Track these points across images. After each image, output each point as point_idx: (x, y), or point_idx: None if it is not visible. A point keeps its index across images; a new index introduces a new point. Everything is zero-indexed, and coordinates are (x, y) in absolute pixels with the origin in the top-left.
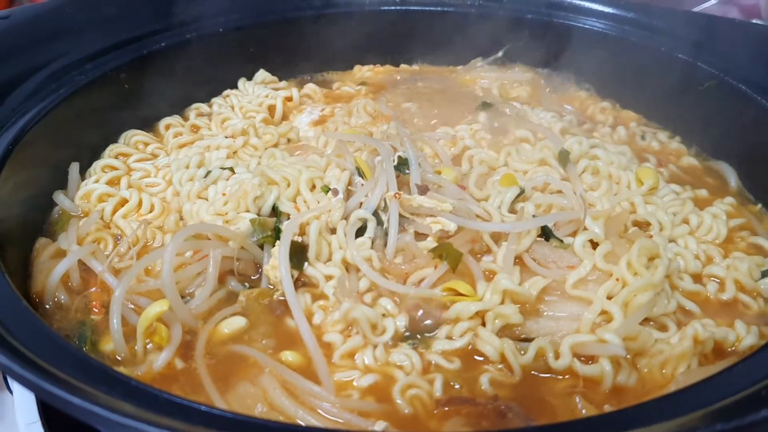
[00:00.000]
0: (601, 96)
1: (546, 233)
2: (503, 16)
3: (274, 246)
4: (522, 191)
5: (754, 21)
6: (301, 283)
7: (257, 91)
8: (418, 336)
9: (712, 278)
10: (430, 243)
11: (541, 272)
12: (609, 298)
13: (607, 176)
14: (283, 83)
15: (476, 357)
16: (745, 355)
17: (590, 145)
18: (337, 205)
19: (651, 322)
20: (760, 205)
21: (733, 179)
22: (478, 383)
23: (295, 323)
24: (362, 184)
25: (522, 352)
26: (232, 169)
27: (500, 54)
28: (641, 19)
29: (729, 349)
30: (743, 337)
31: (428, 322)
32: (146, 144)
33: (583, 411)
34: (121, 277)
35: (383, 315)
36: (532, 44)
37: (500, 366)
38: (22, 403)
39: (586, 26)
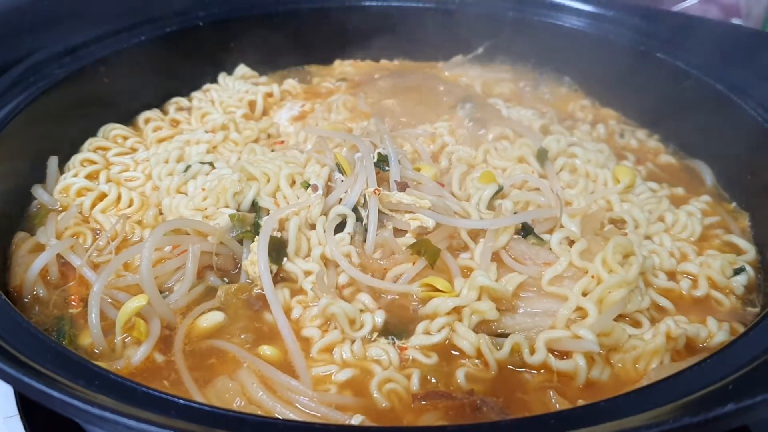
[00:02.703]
0: (581, 94)
1: (525, 230)
2: (484, 13)
3: (253, 241)
4: (500, 188)
5: (734, 20)
6: (279, 278)
7: (237, 86)
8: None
9: (686, 275)
10: (409, 239)
11: (518, 269)
12: (584, 294)
13: (584, 174)
14: (263, 78)
15: (453, 352)
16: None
17: (568, 143)
18: (317, 200)
19: (625, 318)
20: (734, 204)
21: (709, 177)
22: (455, 378)
23: (273, 318)
24: (342, 181)
25: (498, 348)
26: (212, 164)
27: (480, 51)
28: (621, 18)
29: (701, 345)
30: (715, 333)
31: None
32: (125, 138)
33: (557, 405)
34: (100, 271)
35: (361, 310)
36: (512, 42)
37: (476, 361)
38: (0, 396)
39: (566, 24)
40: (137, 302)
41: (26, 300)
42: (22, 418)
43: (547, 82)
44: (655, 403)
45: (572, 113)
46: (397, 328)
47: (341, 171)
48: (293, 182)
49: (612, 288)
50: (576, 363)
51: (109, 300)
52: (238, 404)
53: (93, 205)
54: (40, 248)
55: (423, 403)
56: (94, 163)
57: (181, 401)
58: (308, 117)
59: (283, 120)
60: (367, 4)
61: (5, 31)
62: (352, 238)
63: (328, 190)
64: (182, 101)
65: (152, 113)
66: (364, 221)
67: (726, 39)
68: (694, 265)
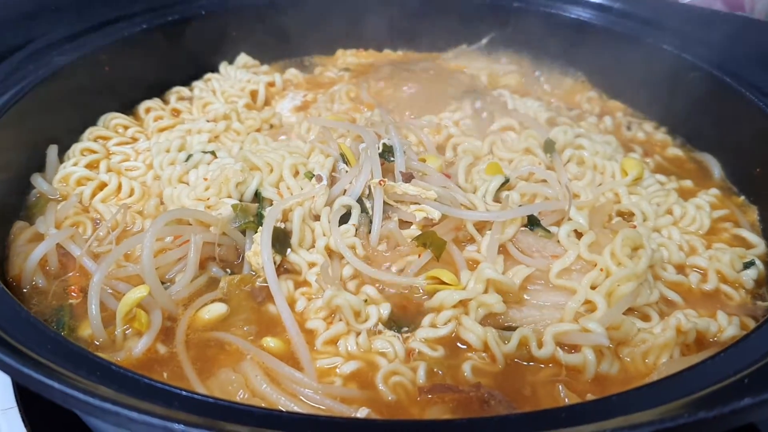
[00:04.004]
0: (588, 85)
1: (532, 222)
2: (489, 3)
3: (256, 232)
4: (507, 180)
5: (738, 13)
6: (283, 269)
7: (239, 75)
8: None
9: (695, 269)
10: (414, 231)
11: (525, 261)
12: (593, 287)
13: (591, 166)
14: (265, 67)
15: (459, 345)
16: (726, 346)
17: (575, 134)
18: (321, 191)
19: (634, 312)
20: (743, 197)
21: (717, 170)
22: (461, 371)
23: (276, 309)
24: (346, 171)
25: (505, 341)
26: (213, 153)
27: (484, 41)
28: (627, 9)
29: (711, 340)
30: (725, 327)
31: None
32: (126, 127)
33: (566, 399)
34: (100, 261)
35: (366, 302)
36: (518, 32)
37: (483, 354)
38: None
39: (572, 15)
40: (138, 293)
41: (25, 290)
42: (20, 410)
43: (554, 73)
44: (668, 397)
45: (579, 105)
46: (402, 320)
47: (345, 161)
48: (297, 172)
49: (621, 281)
50: (585, 357)
51: (110, 291)
52: (241, 396)
53: (93, 195)
54: (39, 238)
55: (429, 396)
56: (95, 152)
57: (183, 393)
58: (310, 107)
59: (285, 110)
60: None
61: (5, 18)
62: (356, 229)
63: (332, 181)
64: (183, 90)
65: (153, 102)
66: (369, 213)
67: (731, 31)
68: (703, 258)
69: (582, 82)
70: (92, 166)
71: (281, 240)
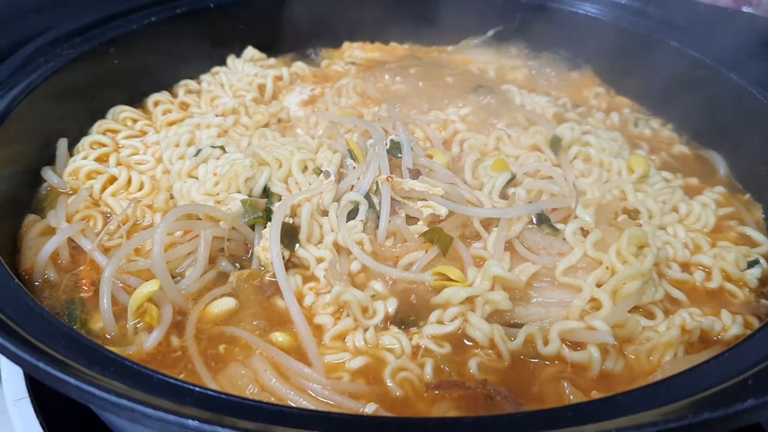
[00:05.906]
0: (596, 81)
1: (539, 219)
2: None
3: (265, 227)
4: (513, 177)
5: (744, 8)
6: (291, 264)
7: (246, 69)
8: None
9: (700, 267)
10: (421, 227)
11: (532, 258)
12: (598, 285)
13: (598, 163)
14: (272, 60)
15: (466, 342)
16: (730, 345)
17: (582, 131)
18: (329, 187)
19: (639, 310)
20: (748, 195)
21: (722, 168)
22: (467, 367)
23: (285, 304)
24: (354, 167)
25: (511, 338)
26: (222, 148)
27: (490, 34)
28: (634, 5)
29: (714, 338)
30: (729, 326)
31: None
32: (135, 120)
33: (571, 396)
34: (110, 256)
35: (373, 297)
36: (525, 27)
37: (489, 351)
38: (10, 378)
39: (580, 11)
40: (149, 287)
41: (37, 283)
42: (32, 400)
43: (561, 68)
44: (673, 397)
45: (586, 100)
46: (409, 316)
47: (353, 157)
48: (305, 168)
49: (626, 279)
50: (590, 354)
51: (121, 285)
52: (250, 391)
53: (103, 188)
54: (50, 231)
55: (436, 392)
56: (104, 145)
57: (196, 389)
58: (318, 101)
59: (292, 104)
60: None
61: (15, 11)
62: (364, 225)
63: (340, 177)
64: (191, 84)
65: (161, 96)
66: (377, 208)
67: (738, 28)
68: (707, 256)
69: (590, 78)
70: (102, 159)
71: (290, 235)
